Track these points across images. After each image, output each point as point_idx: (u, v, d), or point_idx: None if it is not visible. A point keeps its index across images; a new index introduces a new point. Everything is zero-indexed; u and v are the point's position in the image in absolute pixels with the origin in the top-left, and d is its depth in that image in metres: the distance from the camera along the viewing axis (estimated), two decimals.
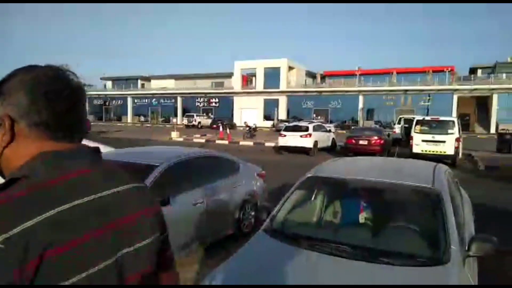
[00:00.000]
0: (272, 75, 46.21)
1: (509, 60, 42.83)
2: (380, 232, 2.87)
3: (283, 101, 46.52)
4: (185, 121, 41.79)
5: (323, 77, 51.44)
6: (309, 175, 3.45)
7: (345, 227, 3.15)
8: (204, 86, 53.88)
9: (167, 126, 43.43)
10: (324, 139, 17.58)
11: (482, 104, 39.65)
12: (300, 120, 27.63)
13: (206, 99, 52.70)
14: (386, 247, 2.60)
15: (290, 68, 47.00)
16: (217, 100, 51.95)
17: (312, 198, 3.56)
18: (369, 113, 42.39)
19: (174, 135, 25.58)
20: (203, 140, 23.55)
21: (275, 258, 2.54)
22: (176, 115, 52.69)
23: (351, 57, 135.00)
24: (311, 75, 52.24)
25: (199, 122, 41.03)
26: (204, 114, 47.23)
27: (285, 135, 16.72)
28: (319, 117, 41.50)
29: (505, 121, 35.27)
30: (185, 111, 49.82)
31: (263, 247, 2.75)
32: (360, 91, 42.67)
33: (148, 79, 61.76)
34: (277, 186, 7.48)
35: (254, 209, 5.49)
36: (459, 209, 3.21)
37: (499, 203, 7.45)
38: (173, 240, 3.66)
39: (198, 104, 52.99)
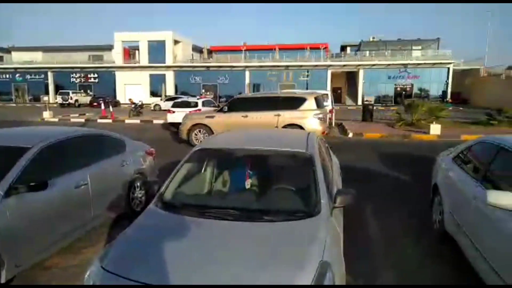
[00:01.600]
0: (157, 49, 44.06)
1: (371, 39, 48.80)
2: (264, 194, 3.18)
3: (170, 77, 45.07)
4: (59, 99, 37.28)
5: (210, 52, 51.18)
6: (197, 148, 3.56)
7: (233, 193, 3.39)
8: (80, 59, 48.36)
9: (37, 105, 38.38)
10: None
11: (351, 78, 44.76)
12: (189, 96, 27.36)
13: (83, 75, 47.76)
14: (268, 207, 2.92)
15: (176, 42, 45.45)
16: (96, 75, 47.55)
17: (202, 170, 3.69)
18: (256, 88, 44.09)
19: (47, 115, 22.79)
20: (82, 120, 21.59)
21: (166, 228, 2.62)
22: (47, 93, 46.72)
23: (236, 32, 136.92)
24: (197, 49, 51.42)
25: (76, 100, 37.19)
26: (82, 91, 42.86)
27: (174, 112, 16.39)
28: (208, 93, 41.57)
29: (369, 94, 40.72)
30: (58, 88, 44.41)
31: (153, 220, 2.80)
32: (246, 67, 43.88)
33: (8, 50, 52.69)
34: (168, 162, 7.42)
35: (145, 187, 5.40)
36: (329, 169, 3.73)
37: (362, 163, 8.76)
38: (57, 225, 3.47)
39: (74, 80, 47.76)
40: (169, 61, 44.16)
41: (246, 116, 10.98)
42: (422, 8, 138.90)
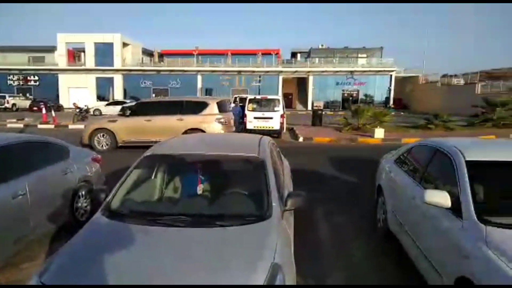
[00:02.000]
0: (104, 51, 42.30)
1: (320, 46, 50.49)
2: (216, 200, 3.16)
3: (118, 80, 43.44)
4: None
5: (160, 56, 50.05)
6: (147, 154, 3.47)
7: (184, 200, 3.33)
8: (18, 61, 45.01)
9: None
10: None
11: (302, 84, 45.99)
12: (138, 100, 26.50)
13: (22, 77, 44.59)
14: (220, 212, 2.90)
15: (125, 44, 43.96)
16: (36, 78, 44.60)
17: (153, 176, 3.60)
18: (208, 93, 43.84)
19: None
20: (21, 125, 20.11)
21: (113, 238, 2.52)
22: None
23: (188, 36, 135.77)
24: (147, 53, 50.10)
25: (14, 104, 34.51)
26: (21, 94, 39.93)
27: None
28: (159, 97, 40.63)
29: (318, 99, 42.11)
30: None
31: (99, 229, 2.67)
32: (198, 71, 43.51)
33: None
34: (116, 169, 7.14)
35: (90, 195, 5.15)
36: (280, 173, 3.80)
37: (312, 166, 9.01)
38: None
39: (11, 82, 44.47)
40: (117, 64, 42.57)
41: (150, 120, 11.08)
42: (366, 16, 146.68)
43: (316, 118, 19.74)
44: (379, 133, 14.69)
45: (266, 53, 45.68)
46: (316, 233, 4.81)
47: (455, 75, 39.08)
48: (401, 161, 4.71)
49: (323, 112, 21.25)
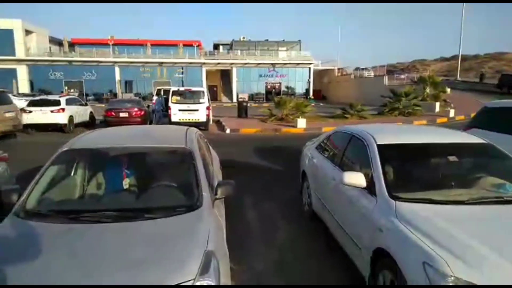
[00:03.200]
0: (3, 39, 37.55)
1: (241, 39, 50.90)
2: (143, 193, 3.07)
3: (22, 71, 39.04)
4: None
5: (71, 45, 46.01)
6: (65, 148, 3.24)
7: (109, 195, 3.18)
8: None
9: None
10: (81, 113, 16.24)
11: (226, 76, 46.05)
12: (49, 93, 24.30)
13: None
14: (149, 205, 2.82)
15: (28, 32, 39.55)
16: None
17: (72, 173, 3.37)
18: (128, 85, 41.71)
19: None
20: None
21: (30, 239, 2.31)
22: None
23: (101, 24, 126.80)
24: (56, 42, 45.72)
25: None
26: None
27: (30, 111, 14.35)
28: (72, 90, 37.63)
29: (243, 91, 42.61)
30: None
31: (13, 231, 2.44)
32: (115, 62, 41.02)
33: None
34: (29, 169, 6.51)
35: None
36: (209, 163, 3.82)
37: (241, 156, 9.16)
38: None
39: None
40: (20, 54, 38.18)
41: None
42: (284, 8, 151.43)
43: (242, 110, 20.00)
44: (301, 123, 15.41)
45: (188, 45, 44.71)
46: (247, 220, 4.93)
47: (366, 68, 42.45)
48: (322, 147, 5.03)
49: (248, 104, 21.62)
